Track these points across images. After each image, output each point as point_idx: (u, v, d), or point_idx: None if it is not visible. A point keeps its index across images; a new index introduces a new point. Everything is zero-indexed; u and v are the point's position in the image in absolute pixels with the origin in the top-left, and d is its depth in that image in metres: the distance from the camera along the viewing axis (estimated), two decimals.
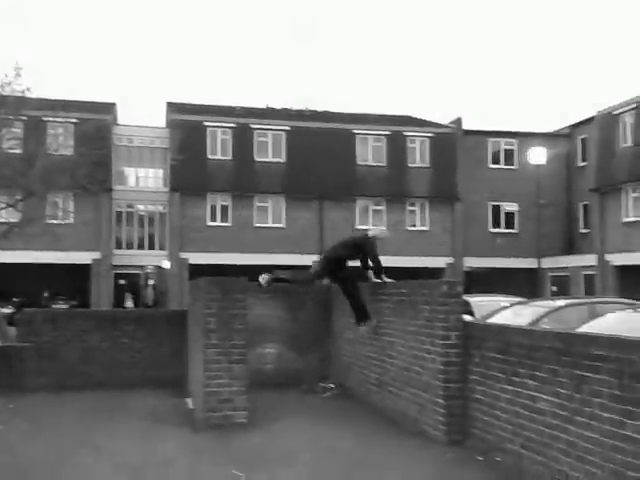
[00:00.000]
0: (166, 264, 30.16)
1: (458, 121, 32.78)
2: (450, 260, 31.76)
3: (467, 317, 8.76)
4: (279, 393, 9.32)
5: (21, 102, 14.72)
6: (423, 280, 7.44)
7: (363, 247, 8.37)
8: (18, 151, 15.72)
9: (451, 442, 6.33)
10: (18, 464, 5.77)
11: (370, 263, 8.30)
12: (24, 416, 7.77)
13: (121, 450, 6.31)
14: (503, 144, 33.05)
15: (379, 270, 8.27)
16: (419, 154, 32.10)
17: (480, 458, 5.91)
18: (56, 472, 5.57)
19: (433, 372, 6.61)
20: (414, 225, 31.92)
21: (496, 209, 32.71)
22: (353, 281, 8.42)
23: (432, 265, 30.91)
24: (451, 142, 32.28)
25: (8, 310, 22.38)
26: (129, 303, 28.66)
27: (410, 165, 31.91)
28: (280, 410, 8.14)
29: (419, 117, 34.94)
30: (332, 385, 9.69)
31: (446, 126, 33.11)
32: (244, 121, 30.96)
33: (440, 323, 6.51)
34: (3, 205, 15.80)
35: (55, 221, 23.64)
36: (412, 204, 32.08)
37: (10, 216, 18.00)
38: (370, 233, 8.69)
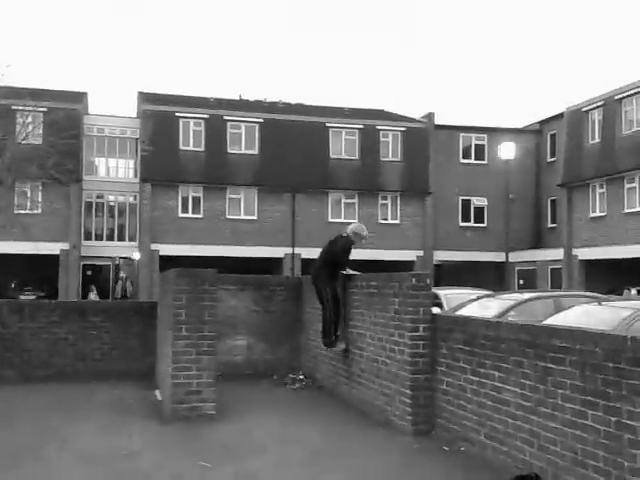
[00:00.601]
0: (136, 255, 29.86)
1: (430, 116, 33.00)
2: (420, 253, 32.02)
3: (436, 309, 8.86)
4: (249, 385, 9.32)
5: None
6: (393, 273, 7.46)
7: (334, 244, 8.33)
8: None
9: (418, 432, 6.39)
10: None
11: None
12: None
13: (87, 442, 6.25)
14: (474, 139, 33.37)
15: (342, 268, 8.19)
16: (391, 148, 32.24)
17: (446, 448, 5.97)
18: (19, 464, 5.50)
19: (401, 363, 6.66)
20: (386, 219, 32.10)
21: (466, 203, 33.06)
22: (333, 290, 8.13)
23: (403, 258, 31.14)
24: (423, 136, 32.48)
25: None
26: (92, 296, 28.24)
27: (383, 159, 32.04)
28: (249, 402, 8.15)
29: (392, 111, 35.10)
30: (302, 377, 9.72)
31: (418, 120, 33.31)
32: (217, 112, 30.74)
33: (409, 315, 6.55)
34: None
35: (23, 211, 23.27)
36: (384, 197, 32.23)
37: None
38: (348, 230, 8.48)
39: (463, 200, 32.97)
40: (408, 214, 32.34)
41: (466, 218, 33.10)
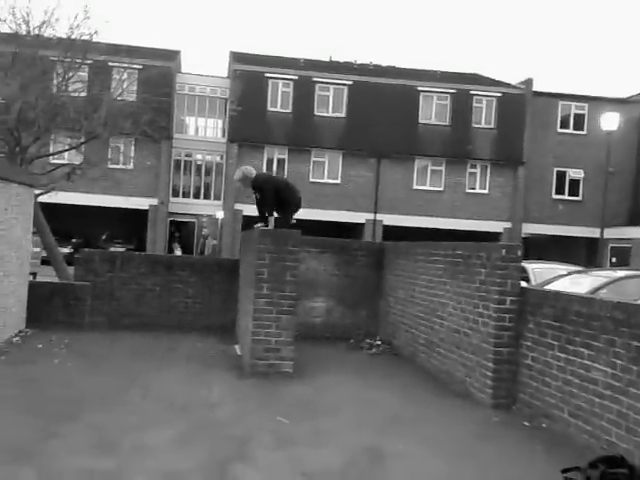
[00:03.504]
0: (220, 214, 30.50)
1: (528, 82, 31.44)
2: (508, 225, 31.04)
3: (523, 283, 8.53)
4: (326, 347, 9.36)
5: (88, 46, 14.82)
6: (481, 242, 7.21)
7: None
8: (83, 94, 15.91)
9: (497, 406, 6.27)
10: (70, 397, 5.96)
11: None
12: (78, 352, 8.03)
13: (170, 390, 6.45)
14: (574, 108, 31.66)
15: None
16: (485, 114, 31.07)
17: (526, 423, 5.84)
18: (106, 407, 5.73)
19: (484, 336, 6.49)
20: (474, 188, 31.21)
21: (561, 175, 31.61)
22: None
23: (489, 229, 30.32)
24: (519, 103, 31.10)
25: (67, 250, 23.16)
26: (176, 251, 29.21)
27: (475, 125, 30.97)
28: (326, 363, 8.18)
29: (487, 76, 33.74)
30: (379, 342, 9.67)
31: (515, 86, 31.86)
32: (306, 74, 30.54)
33: (496, 287, 6.35)
34: (67, 147, 16.12)
35: (116, 166, 24.13)
36: (473, 166, 31.27)
37: (73, 158, 18.43)
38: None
39: (558, 172, 31.52)
40: (498, 184, 31.29)
41: (560, 190, 31.68)
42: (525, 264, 11.95)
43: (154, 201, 29.85)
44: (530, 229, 31.20)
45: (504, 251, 6.41)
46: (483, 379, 6.47)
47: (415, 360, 8.45)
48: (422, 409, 6.26)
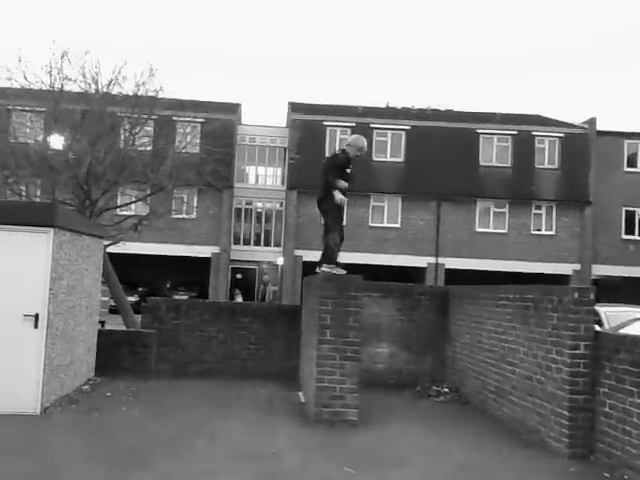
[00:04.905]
0: (280, 260, 30.76)
1: (592, 121, 30.83)
2: (577, 267, 30.05)
3: (596, 327, 8.18)
4: (391, 394, 9.16)
5: (154, 102, 15.45)
6: (551, 285, 6.97)
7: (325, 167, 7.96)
8: (149, 148, 16.51)
9: (574, 456, 5.98)
10: (138, 445, 5.99)
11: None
12: (145, 400, 8.11)
13: (235, 438, 6.41)
14: None
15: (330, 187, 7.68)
16: (548, 155, 30.53)
17: (606, 475, 5.53)
18: (173, 455, 5.73)
19: (558, 382, 6.22)
20: (539, 229, 30.48)
21: (630, 214, 30.54)
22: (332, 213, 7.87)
23: (557, 272, 29.41)
24: (584, 143, 30.48)
25: (133, 298, 23.72)
26: (238, 298, 29.42)
27: (537, 166, 30.44)
28: (392, 411, 7.99)
29: (548, 117, 33.29)
30: (447, 389, 9.39)
31: (578, 126, 31.29)
32: (364, 120, 30.88)
33: (569, 332, 6.11)
34: (133, 199, 16.69)
35: (179, 215, 24.80)
36: (538, 207, 30.59)
37: (139, 209, 19.04)
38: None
39: (627, 211, 30.51)
40: (565, 225, 30.48)
41: (630, 230, 30.55)
42: (597, 307, 11.49)
43: (216, 249, 30.41)
44: (600, 271, 30.11)
45: (576, 294, 6.18)
46: (558, 428, 6.18)
47: (485, 408, 8.15)
48: (494, 460, 6.00)
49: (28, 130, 15.51)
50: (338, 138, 30.62)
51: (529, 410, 6.84)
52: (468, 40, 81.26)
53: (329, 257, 7.88)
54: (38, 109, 15.73)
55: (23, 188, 13.89)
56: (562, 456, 6.01)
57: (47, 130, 14.78)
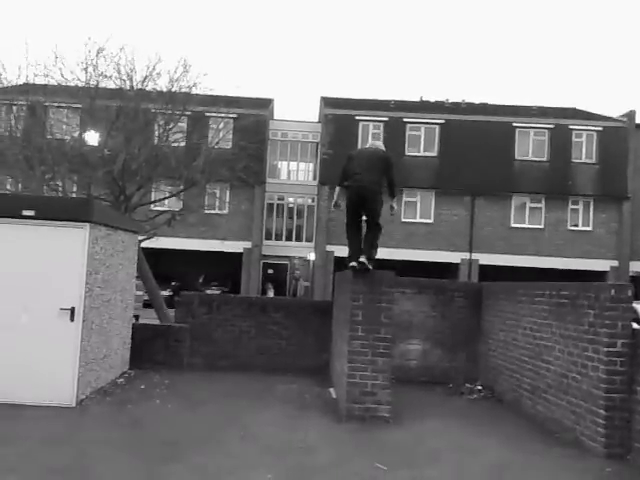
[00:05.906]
0: (311, 256, 30.79)
1: (630, 114, 30.08)
2: (615, 263, 29.41)
3: (634, 325, 8.00)
4: (423, 391, 9.10)
5: (187, 98, 15.56)
6: (588, 282, 6.82)
7: (387, 160, 7.80)
8: (182, 144, 16.65)
9: (610, 455, 5.87)
10: (171, 438, 6.06)
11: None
12: (178, 393, 8.20)
13: (266, 432, 6.43)
14: None
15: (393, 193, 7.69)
16: (585, 149, 29.89)
17: None
18: (206, 448, 5.78)
19: (594, 381, 6.09)
20: (576, 225, 29.90)
21: None
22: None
23: (594, 268, 28.84)
24: (622, 136, 29.77)
25: (166, 293, 24.01)
26: (270, 293, 29.58)
27: (574, 160, 29.85)
28: (424, 408, 7.93)
29: (586, 110, 32.62)
30: (480, 387, 9.29)
31: (617, 119, 30.57)
32: (397, 114, 30.67)
33: (606, 329, 5.98)
34: (167, 194, 16.87)
35: (212, 211, 24.99)
36: (575, 202, 30.01)
37: (173, 205, 19.25)
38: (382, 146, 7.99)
39: None
40: (602, 220, 29.85)
41: None
42: (635, 304, 11.23)
43: (248, 244, 30.58)
44: (638, 267, 29.45)
45: (613, 291, 6.04)
46: (594, 427, 6.06)
47: (519, 406, 8.04)
48: (528, 458, 5.91)
49: (65, 126, 15.77)
50: (370, 133, 30.46)
51: (564, 409, 6.73)
52: (503, 33, 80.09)
53: (374, 255, 7.67)
54: (74, 105, 15.98)
55: (60, 184, 14.13)
56: (598, 456, 5.91)
57: (83, 126, 15.01)
